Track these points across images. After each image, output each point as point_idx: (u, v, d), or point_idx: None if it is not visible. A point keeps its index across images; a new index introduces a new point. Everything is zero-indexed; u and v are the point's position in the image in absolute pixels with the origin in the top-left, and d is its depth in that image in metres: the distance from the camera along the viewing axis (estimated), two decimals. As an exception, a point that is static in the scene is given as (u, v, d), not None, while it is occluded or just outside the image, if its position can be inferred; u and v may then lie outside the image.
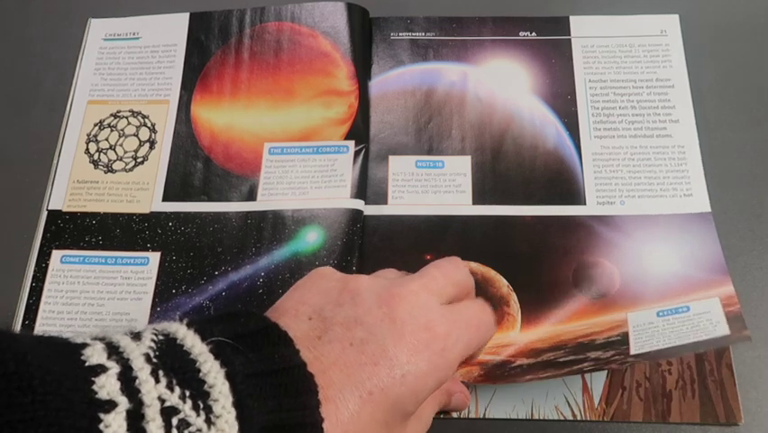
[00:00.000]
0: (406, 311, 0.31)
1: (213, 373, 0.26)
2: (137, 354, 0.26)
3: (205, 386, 0.26)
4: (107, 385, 0.24)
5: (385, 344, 0.30)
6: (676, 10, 0.52)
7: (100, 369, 0.24)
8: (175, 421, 0.24)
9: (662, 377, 0.40)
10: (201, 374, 0.26)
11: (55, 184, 0.48)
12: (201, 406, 0.25)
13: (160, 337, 0.27)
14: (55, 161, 0.49)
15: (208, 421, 0.25)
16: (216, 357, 0.27)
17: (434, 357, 0.31)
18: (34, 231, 0.46)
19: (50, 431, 0.22)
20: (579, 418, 0.39)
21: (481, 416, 0.40)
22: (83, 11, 0.54)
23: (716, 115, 0.48)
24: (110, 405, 0.23)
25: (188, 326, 0.28)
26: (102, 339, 0.26)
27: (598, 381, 0.40)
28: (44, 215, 0.47)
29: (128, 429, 0.23)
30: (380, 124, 0.49)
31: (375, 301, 0.31)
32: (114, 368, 0.25)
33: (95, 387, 0.24)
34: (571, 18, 0.52)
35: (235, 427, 0.25)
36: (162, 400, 0.24)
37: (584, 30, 0.52)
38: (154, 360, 0.26)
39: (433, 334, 0.31)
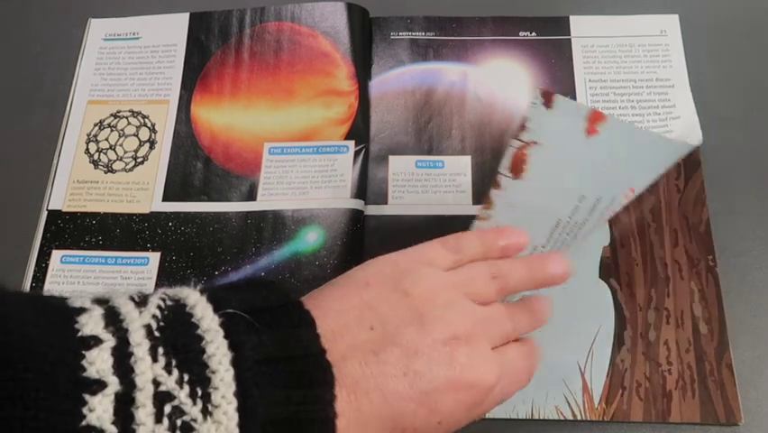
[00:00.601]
0: (465, 356, 0.29)
1: (218, 356, 0.24)
2: (137, 326, 0.23)
3: (207, 371, 0.23)
4: (98, 362, 0.22)
5: (436, 387, 0.28)
6: (676, 10, 0.52)
7: (93, 341, 0.22)
8: (168, 409, 0.22)
9: (663, 377, 0.40)
10: (205, 356, 0.24)
11: (55, 184, 0.48)
12: (199, 393, 0.23)
13: (168, 303, 0.25)
14: (55, 161, 0.49)
15: (205, 411, 0.23)
16: (226, 336, 0.24)
17: (473, 408, 0.30)
18: (34, 231, 0.46)
19: (27, 414, 0.20)
20: (579, 418, 0.39)
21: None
22: (83, 11, 0.54)
23: (716, 115, 0.48)
24: (98, 385, 0.22)
25: (202, 292, 0.26)
26: (104, 302, 0.24)
27: (599, 381, 0.40)
28: (44, 215, 0.47)
29: (114, 414, 0.21)
30: (380, 124, 0.49)
31: (442, 334, 0.29)
32: (110, 341, 0.23)
33: (84, 362, 0.22)
34: (571, 18, 0.52)
35: (235, 418, 0.23)
36: (157, 384, 0.22)
37: (584, 30, 0.52)
38: (156, 333, 0.24)
39: (480, 389, 0.29)
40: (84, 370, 0.22)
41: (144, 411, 0.22)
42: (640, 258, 0.43)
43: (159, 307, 0.25)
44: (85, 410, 0.21)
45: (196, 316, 0.25)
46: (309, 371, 0.25)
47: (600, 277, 0.43)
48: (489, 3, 0.53)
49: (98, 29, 0.54)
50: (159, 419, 0.22)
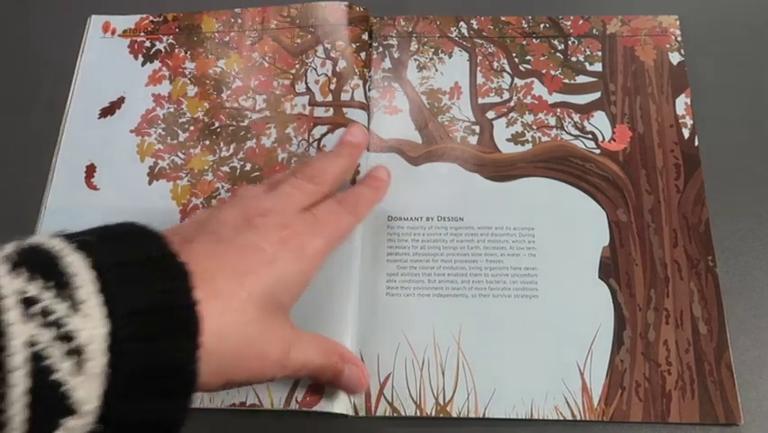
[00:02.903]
0: (262, 216, 0.35)
1: (76, 263, 0.26)
2: None
3: (68, 276, 0.25)
4: None
5: (249, 239, 0.34)
6: (676, 10, 0.52)
7: None
8: (36, 309, 0.24)
9: (662, 377, 0.40)
10: (63, 266, 0.26)
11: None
12: (64, 295, 0.25)
13: (23, 247, 0.27)
14: (55, 161, 0.49)
15: (73, 307, 0.25)
16: (79, 249, 0.27)
17: (295, 250, 0.35)
18: (34, 231, 0.46)
19: None
20: (578, 418, 0.39)
21: (481, 416, 0.40)
22: (83, 11, 0.54)
23: (715, 115, 0.48)
24: None
25: (51, 237, 0.28)
26: None
27: (598, 381, 0.40)
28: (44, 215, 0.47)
29: None
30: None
31: (236, 216, 0.35)
32: None
33: None
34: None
35: (103, 311, 0.25)
36: (21, 292, 0.24)
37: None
38: (13, 258, 0.25)
39: (291, 231, 0.35)
40: None
41: (13, 313, 0.24)
42: (639, 258, 0.43)
43: (12, 249, 0.27)
44: None
45: (48, 246, 0.27)
46: (166, 268, 0.28)
47: (600, 277, 0.43)
48: (488, 3, 0.53)
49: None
50: (29, 318, 0.24)
